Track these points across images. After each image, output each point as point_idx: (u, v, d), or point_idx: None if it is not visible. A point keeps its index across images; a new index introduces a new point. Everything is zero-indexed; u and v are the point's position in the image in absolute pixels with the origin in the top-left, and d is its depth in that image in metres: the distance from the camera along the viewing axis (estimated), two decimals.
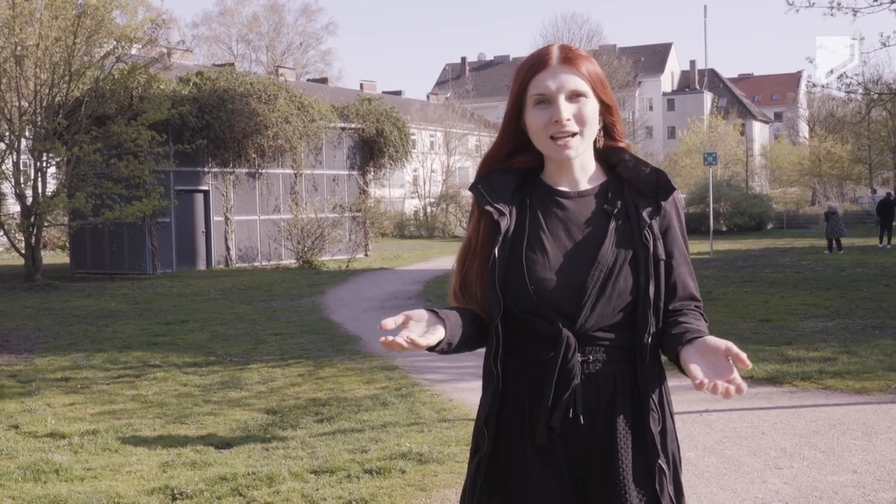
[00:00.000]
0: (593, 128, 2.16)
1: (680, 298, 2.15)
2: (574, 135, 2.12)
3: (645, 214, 2.14)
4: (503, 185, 2.20)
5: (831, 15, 16.17)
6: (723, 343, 1.91)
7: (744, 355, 1.86)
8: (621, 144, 2.23)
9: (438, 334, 2.02)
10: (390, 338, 1.92)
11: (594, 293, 2.07)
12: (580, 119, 2.12)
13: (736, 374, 1.87)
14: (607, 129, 2.23)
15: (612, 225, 2.13)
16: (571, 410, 2.08)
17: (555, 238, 2.15)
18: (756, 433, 6.39)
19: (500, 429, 2.16)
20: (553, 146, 2.13)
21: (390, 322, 1.95)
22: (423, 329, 2.01)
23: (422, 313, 2.03)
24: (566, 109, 2.11)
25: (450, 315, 2.10)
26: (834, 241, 25.77)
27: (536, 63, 2.14)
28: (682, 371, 1.98)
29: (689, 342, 2.00)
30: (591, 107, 2.14)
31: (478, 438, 2.18)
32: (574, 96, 2.12)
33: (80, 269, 24.72)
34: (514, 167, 2.23)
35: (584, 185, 2.20)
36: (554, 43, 2.23)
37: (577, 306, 2.08)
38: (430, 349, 2.05)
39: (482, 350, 2.21)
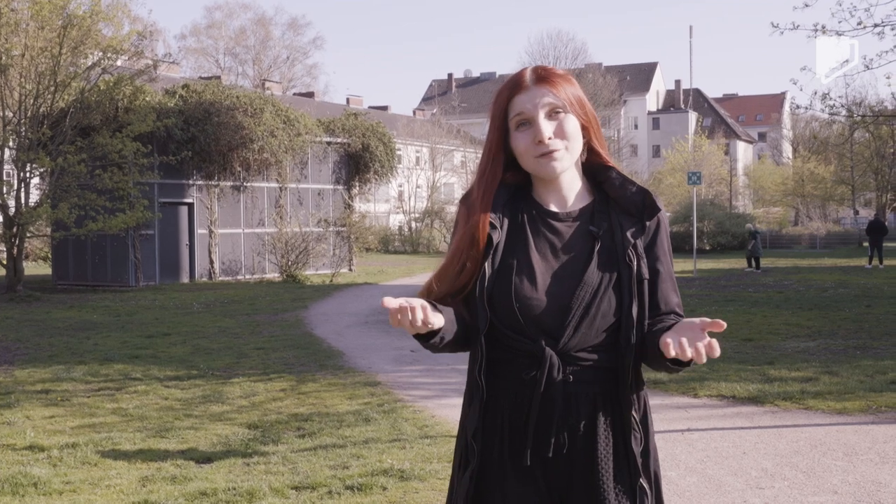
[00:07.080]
0: (577, 142, 2.18)
1: (663, 314, 2.18)
2: (558, 150, 2.14)
3: (629, 234, 2.16)
4: (496, 198, 2.21)
5: (815, 38, 16.27)
6: (697, 319, 1.95)
7: (717, 320, 1.89)
8: (609, 163, 2.25)
9: (439, 320, 2.02)
10: (403, 303, 1.92)
11: (578, 314, 2.09)
12: (561, 134, 2.15)
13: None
14: (588, 148, 2.24)
15: (597, 246, 2.15)
16: (555, 433, 2.09)
17: (542, 258, 2.16)
18: (737, 453, 6.41)
19: (482, 445, 2.16)
20: (538, 162, 2.15)
21: (393, 301, 1.94)
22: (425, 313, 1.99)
23: (421, 300, 2.01)
24: (547, 128, 2.14)
25: (445, 310, 2.09)
26: (753, 260, 27.60)
27: (512, 86, 2.19)
28: (664, 357, 1.99)
29: (667, 329, 2.03)
30: (572, 122, 2.17)
31: (467, 453, 2.17)
32: (552, 112, 2.15)
33: (63, 280, 24.56)
34: (507, 182, 2.24)
35: (572, 205, 2.22)
36: (528, 65, 2.27)
37: (561, 326, 2.09)
38: (423, 340, 2.06)
39: (464, 366, 2.21)
